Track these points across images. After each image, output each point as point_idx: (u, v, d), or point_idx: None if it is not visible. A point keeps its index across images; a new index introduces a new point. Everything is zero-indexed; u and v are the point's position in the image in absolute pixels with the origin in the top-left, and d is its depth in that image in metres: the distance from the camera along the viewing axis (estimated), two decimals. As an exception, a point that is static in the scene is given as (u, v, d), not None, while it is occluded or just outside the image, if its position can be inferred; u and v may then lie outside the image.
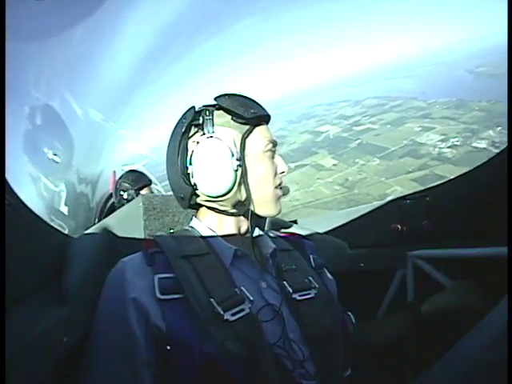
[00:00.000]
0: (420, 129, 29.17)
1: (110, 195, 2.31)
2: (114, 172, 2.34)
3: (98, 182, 3.07)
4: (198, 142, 0.66)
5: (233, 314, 0.55)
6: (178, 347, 0.54)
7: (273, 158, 0.71)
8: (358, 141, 30.91)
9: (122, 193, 1.76)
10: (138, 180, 1.83)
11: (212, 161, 0.65)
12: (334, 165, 27.40)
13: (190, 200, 0.69)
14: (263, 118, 0.71)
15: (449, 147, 24.76)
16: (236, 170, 0.65)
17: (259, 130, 0.70)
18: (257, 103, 0.71)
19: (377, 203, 1.23)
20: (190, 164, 0.66)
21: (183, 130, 0.68)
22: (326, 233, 1.21)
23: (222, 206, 0.69)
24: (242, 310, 0.57)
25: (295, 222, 1.25)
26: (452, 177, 1.17)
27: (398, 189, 20.78)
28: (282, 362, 0.56)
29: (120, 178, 1.85)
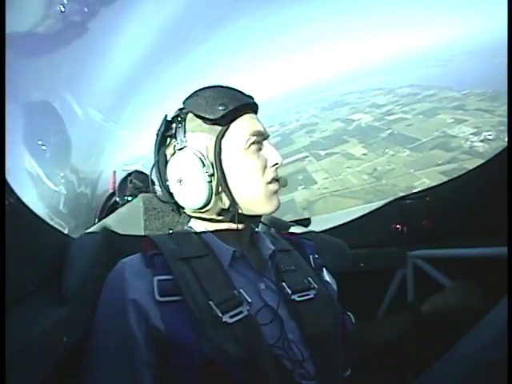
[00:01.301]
0: (452, 120, 28.16)
1: (111, 195, 2.31)
2: (114, 172, 2.34)
3: (98, 182, 3.07)
4: (171, 155, 0.65)
5: (231, 317, 0.55)
6: (178, 348, 0.54)
7: (260, 150, 0.65)
8: (389, 130, 30.26)
9: (135, 192, 1.75)
10: (147, 180, 1.83)
11: (183, 175, 0.62)
12: (364, 154, 26.85)
13: (178, 210, 0.69)
14: (242, 109, 0.64)
15: (481, 141, 23.44)
16: (210, 181, 0.61)
17: (238, 125, 0.63)
18: (233, 93, 0.64)
19: (377, 203, 1.23)
20: (167, 178, 0.65)
21: (158, 143, 0.66)
22: (325, 233, 1.20)
23: (207, 215, 0.67)
24: (241, 312, 0.56)
25: (295, 222, 1.25)
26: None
27: (426, 181, 20.00)
28: (281, 362, 0.56)
29: (128, 176, 1.84)
